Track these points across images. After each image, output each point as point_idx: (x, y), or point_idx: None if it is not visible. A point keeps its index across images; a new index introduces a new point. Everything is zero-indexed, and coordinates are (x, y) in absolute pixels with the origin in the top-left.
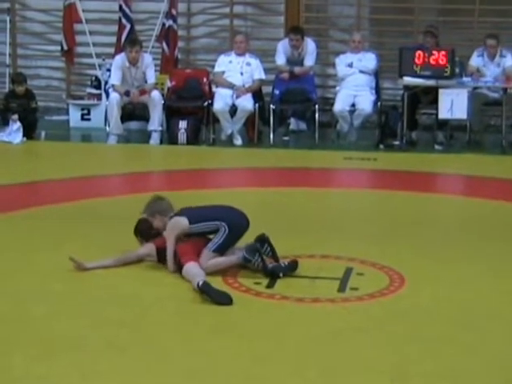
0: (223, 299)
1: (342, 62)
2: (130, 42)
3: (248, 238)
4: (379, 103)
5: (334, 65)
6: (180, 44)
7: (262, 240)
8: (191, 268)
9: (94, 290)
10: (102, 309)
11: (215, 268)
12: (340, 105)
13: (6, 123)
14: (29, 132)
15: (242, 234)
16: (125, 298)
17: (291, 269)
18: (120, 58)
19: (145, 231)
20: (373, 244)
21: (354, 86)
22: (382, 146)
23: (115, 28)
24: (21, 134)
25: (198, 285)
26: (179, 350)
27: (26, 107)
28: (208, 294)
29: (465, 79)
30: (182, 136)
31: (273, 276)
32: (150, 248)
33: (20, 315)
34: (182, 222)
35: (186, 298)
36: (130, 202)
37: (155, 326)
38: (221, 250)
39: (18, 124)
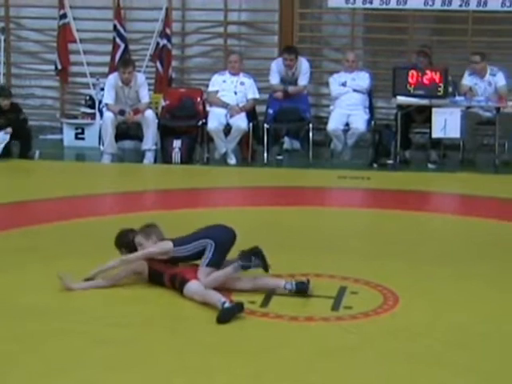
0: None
1: (335, 81)
2: (123, 63)
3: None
4: (373, 122)
5: (327, 84)
6: (174, 63)
7: (256, 252)
8: (201, 287)
9: (88, 308)
10: (98, 327)
11: (215, 282)
12: (334, 124)
13: None
14: (24, 150)
15: (230, 245)
16: (120, 317)
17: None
18: (113, 78)
19: (129, 244)
20: (366, 262)
21: (348, 105)
22: (375, 165)
23: (109, 47)
24: (4, 145)
25: (223, 304)
26: (175, 368)
27: (14, 121)
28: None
29: (458, 98)
30: (176, 155)
31: (299, 292)
32: (142, 265)
33: (16, 333)
34: (167, 244)
35: (180, 316)
36: (124, 222)
37: (151, 345)
38: (214, 265)
39: (6, 137)
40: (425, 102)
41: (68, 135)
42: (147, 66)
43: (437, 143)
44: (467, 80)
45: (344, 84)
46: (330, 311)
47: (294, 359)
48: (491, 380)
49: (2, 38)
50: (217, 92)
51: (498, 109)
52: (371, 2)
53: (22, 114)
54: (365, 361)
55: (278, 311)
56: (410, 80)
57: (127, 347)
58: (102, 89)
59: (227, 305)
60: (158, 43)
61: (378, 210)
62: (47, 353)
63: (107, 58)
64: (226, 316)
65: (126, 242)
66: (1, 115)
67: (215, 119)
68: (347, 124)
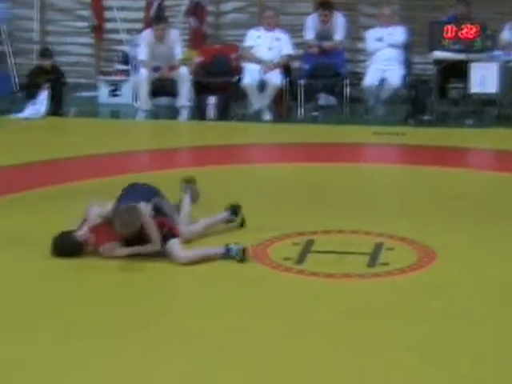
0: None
1: (371, 37)
2: (156, 20)
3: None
4: (408, 77)
5: (363, 39)
6: (209, 19)
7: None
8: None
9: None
10: (129, 285)
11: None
12: (369, 80)
13: (32, 98)
14: (56, 108)
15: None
16: (153, 275)
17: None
18: (147, 34)
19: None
20: (402, 219)
21: (384, 61)
22: (411, 121)
23: (144, 3)
24: (46, 103)
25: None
26: (209, 328)
27: (55, 82)
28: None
29: (496, 53)
30: (210, 111)
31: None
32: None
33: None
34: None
35: (213, 274)
36: (159, 178)
37: (184, 305)
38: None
39: (47, 93)
40: (462, 56)
41: (103, 92)
42: (182, 22)
43: (473, 98)
44: (507, 34)
45: (380, 39)
46: (366, 268)
47: (331, 316)
48: None
49: None
50: (251, 48)
51: None
52: None
53: (63, 77)
54: (401, 317)
55: (313, 268)
56: (446, 34)
57: (160, 306)
58: (136, 45)
59: (231, 246)
60: None
61: (413, 167)
62: (74, 313)
63: (142, 15)
64: (242, 253)
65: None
66: (42, 75)
67: (250, 75)
68: (382, 79)
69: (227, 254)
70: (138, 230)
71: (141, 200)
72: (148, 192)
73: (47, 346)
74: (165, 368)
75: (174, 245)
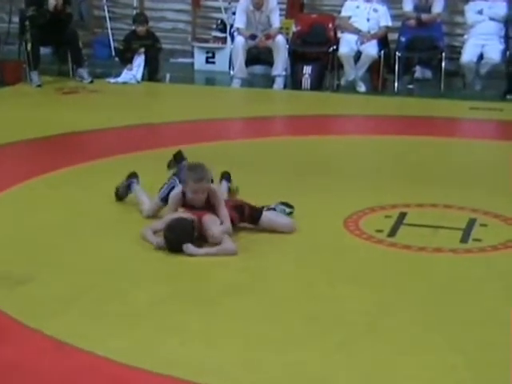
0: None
1: (471, 9)
2: None
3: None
4: (508, 52)
5: (462, 12)
6: None
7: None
8: None
9: None
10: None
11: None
12: (468, 56)
13: (128, 63)
14: (152, 74)
15: None
16: (245, 246)
17: None
18: (245, 2)
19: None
20: (497, 195)
21: (483, 35)
22: (509, 97)
23: None
24: (142, 69)
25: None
26: (298, 296)
27: (149, 48)
28: None
29: None
30: (305, 81)
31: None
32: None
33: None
34: None
35: (304, 246)
36: (252, 147)
37: (274, 273)
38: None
39: (143, 57)
40: None
41: (199, 59)
42: None
43: None
44: None
45: (480, 12)
46: (459, 243)
47: (422, 290)
48: None
49: None
50: (349, 18)
51: None
52: None
53: (158, 43)
54: (493, 293)
55: (405, 241)
56: None
57: (251, 273)
58: (234, 13)
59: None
60: None
61: (510, 142)
62: (175, 269)
63: None
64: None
65: None
66: (136, 41)
67: (346, 45)
68: (481, 54)
69: None
70: (205, 201)
71: None
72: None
73: (145, 307)
74: (257, 333)
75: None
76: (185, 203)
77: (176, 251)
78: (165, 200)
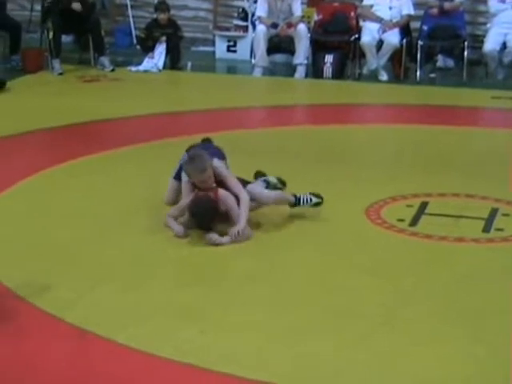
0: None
1: None
2: None
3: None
4: None
5: (485, 1)
6: None
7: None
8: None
9: None
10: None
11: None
12: (490, 45)
13: (149, 51)
14: (173, 62)
15: None
16: (265, 231)
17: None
18: None
19: None
20: None
21: (506, 23)
22: None
23: None
24: (164, 57)
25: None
26: (316, 286)
27: (171, 36)
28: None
29: None
30: (327, 70)
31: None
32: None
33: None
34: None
35: (324, 233)
36: (273, 135)
37: (293, 262)
38: None
39: (164, 46)
40: None
41: (220, 47)
42: None
43: None
44: None
45: (503, 0)
46: (481, 233)
47: (443, 280)
48: None
49: None
50: (371, 6)
51: None
52: None
53: (179, 31)
54: None
55: (427, 231)
56: None
57: (268, 263)
58: (255, 1)
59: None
60: None
61: None
62: (192, 264)
63: None
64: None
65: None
66: (158, 29)
67: (368, 34)
68: (504, 43)
69: (297, 204)
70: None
71: (215, 157)
72: (219, 153)
73: (165, 295)
74: (273, 323)
75: (256, 187)
76: (196, 187)
77: (204, 227)
78: (178, 177)
